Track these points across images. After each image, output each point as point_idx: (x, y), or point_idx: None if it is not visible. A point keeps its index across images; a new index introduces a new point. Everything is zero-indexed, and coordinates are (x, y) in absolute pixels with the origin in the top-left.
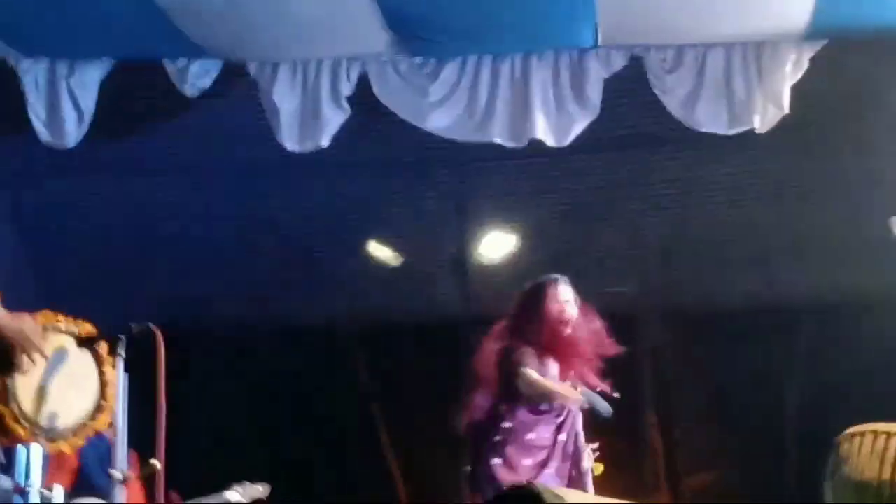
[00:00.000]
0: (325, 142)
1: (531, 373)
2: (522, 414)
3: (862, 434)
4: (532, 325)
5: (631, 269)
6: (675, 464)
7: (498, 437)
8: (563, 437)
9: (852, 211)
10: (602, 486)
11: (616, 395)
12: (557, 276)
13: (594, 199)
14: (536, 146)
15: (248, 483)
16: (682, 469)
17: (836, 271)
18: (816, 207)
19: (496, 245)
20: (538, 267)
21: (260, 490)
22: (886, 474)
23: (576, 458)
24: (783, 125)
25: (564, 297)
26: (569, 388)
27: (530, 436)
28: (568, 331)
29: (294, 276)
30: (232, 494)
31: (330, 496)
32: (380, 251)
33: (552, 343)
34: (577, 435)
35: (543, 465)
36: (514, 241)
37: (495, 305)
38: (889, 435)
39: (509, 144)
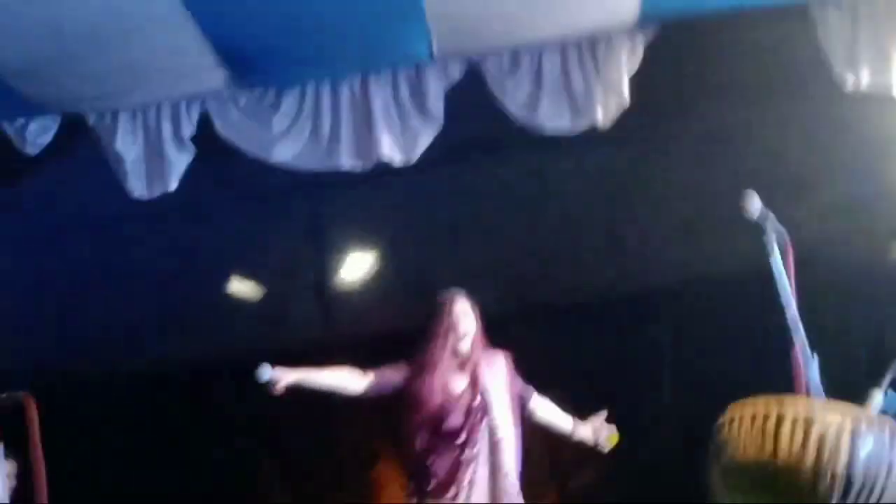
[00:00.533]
0: (172, 185)
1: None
2: None
3: (742, 412)
4: (435, 342)
5: (489, 274)
6: (557, 461)
7: None
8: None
9: (703, 193)
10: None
11: None
12: (453, 289)
13: (447, 211)
14: (386, 165)
15: None
16: (566, 467)
17: (692, 254)
18: (666, 193)
19: (356, 267)
20: (398, 284)
21: None
22: (767, 453)
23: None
24: (626, 116)
25: (462, 311)
26: None
27: None
28: (467, 343)
29: (157, 320)
30: None
31: None
32: (240, 285)
33: (441, 358)
34: None
35: None
36: (374, 260)
37: (358, 326)
38: (767, 410)
39: (358, 167)
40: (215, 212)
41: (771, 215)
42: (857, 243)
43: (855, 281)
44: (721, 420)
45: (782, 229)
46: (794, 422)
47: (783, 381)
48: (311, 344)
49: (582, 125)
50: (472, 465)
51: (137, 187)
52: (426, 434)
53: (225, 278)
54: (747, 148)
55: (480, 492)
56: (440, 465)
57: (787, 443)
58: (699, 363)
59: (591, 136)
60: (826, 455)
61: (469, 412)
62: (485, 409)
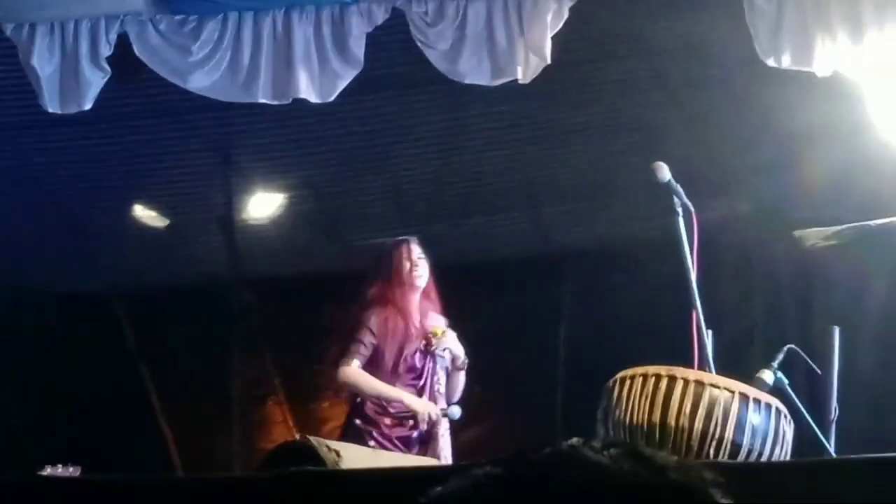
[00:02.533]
0: (87, 104)
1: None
2: None
3: (632, 377)
4: (384, 286)
5: (395, 219)
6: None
7: None
8: None
9: (615, 155)
10: None
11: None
12: (407, 237)
13: (359, 151)
14: (303, 101)
15: (60, 465)
16: (456, 422)
17: (600, 215)
18: (580, 153)
19: (263, 201)
20: (305, 221)
21: (71, 471)
22: (657, 416)
23: None
24: (546, 72)
25: (416, 256)
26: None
27: None
28: (421, 284)
29: (58, 240)
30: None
31: (105, 465)
32: (146, 211)
33: (403, 302)
34: None
35: None
36: (281, 195)
37: (263, 263)
38: (658, 377)
39: (273, 103)
40: (125, 134)
41: (679, 187)
42: (761, 223)
43: (756, 262)
44: (611, 381)
45: (688, 203)
46: (686, 386)
47: (679, 351)
48: (212, 280)
49: (502, 79)
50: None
51: (52, 103)
52: (390, 373)
53: (128, 203)
54: (664, 113)
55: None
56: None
57: (678, 406)
58: (597, 326)
59: (510, 90)
60: (715, 421)
61: (426, 357)
62: (434, 360)
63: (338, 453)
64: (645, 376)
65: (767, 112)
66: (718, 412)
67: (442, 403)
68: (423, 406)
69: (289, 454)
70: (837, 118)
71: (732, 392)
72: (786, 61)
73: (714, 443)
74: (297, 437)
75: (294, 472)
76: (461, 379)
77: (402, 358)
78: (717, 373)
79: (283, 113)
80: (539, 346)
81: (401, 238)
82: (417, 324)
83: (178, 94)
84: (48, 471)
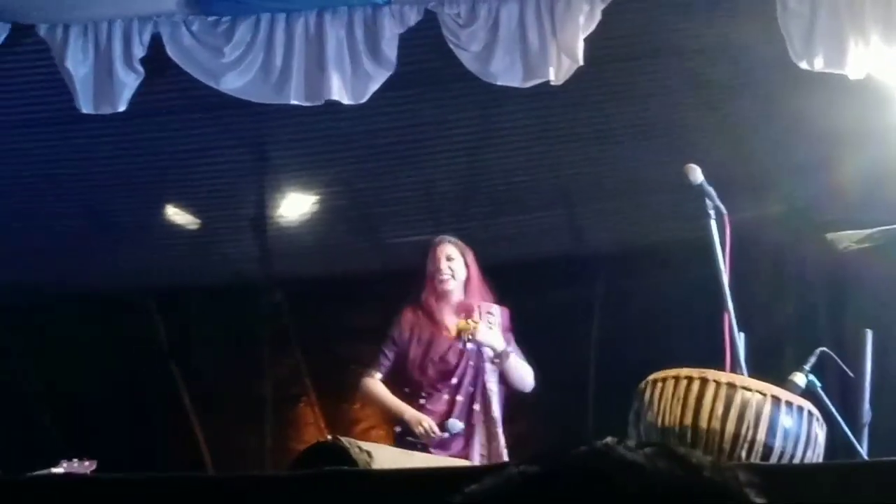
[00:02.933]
0: (121, 105)
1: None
2: None
3: (664, 380)
4: (418, 289)
5: (428, 217)
6: None
7: None
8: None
9: (647, 157)
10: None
11: None
12: (443, 235)
13: (391, 150)
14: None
15: (76, 460)
16: None
17: (634, 217)
18: (611, 154)
19: (295, 201)
20: (337, 220)
21: (86, 465)
22: (688, 419)
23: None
24: (578, 74)
25: (443, 255)
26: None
27: None
28: (447, 288)
29: (89, 240)
30: (58, 472)
31: (134, 461)
32: (178, 211)
33: (429, 302)
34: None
35: None
36: (313, 195)
37: (296, 263)
38: (690, 379)
39: (306, 104)
40: (159, 134)
41: (711, 189)
42: (793, 225)
43: (789, 265)
44: (643, 383)
45: (721, 205)
46: (717, 388)
47: (710, 352)
48: (244, 280)
49: (534, 80)
50: (464, 407)
51: (86, 104)
52: (417, 374)
53: (161, 203)
54: (696, 115)
55: (477, 435)
56: (433, 406)
57: (709, 408)
58: (629, 327)
59: (542, 91)
60: (747, 423)
61: (461, 355)
62: (478, 356)
63: (369, 454)
64: (677, 378)
65: (800, 114)
66: (750, 415)
67: (494, 401)
68: (414, 418)
69: (320, 455)
70: (870, 121)
71: (764, 395)
72: (818, 64)
73: (746, 445)
74: (329, 437)
75: (326, 471)
76: (517, 368)
77: (429, 359)
78: (749, 375)
79: (317, 112)
80: (570, 347)
81: (436, 237)
82: (448, 322)
83: (211, 93)
84: (64, 465)
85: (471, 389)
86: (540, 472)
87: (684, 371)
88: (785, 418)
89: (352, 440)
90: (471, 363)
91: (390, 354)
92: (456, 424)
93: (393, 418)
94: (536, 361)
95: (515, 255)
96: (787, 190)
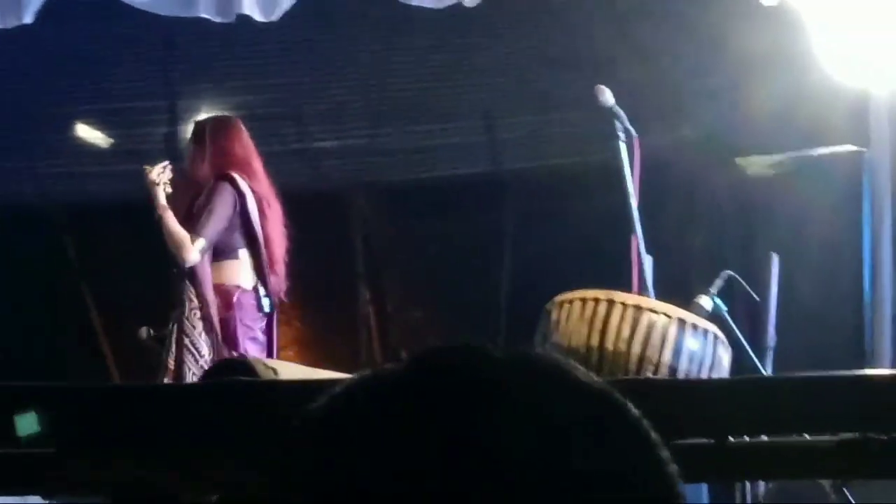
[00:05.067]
0: (27, 18)
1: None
2: None
3: (570, 301)
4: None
5: (338, 144)
6: (389, 340)
7: None
8: None
9: (559, 80)
10: (318, 360)
11: None
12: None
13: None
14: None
15: None
16: (396, 343)
17: (543, 142)
18: (523, 78)
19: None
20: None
21: None
22: (595, 340)
23: None
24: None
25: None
26: None
27: None
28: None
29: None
30: None
31: (41, 377)
32: (92, 127)
33: None
34: None
35: None
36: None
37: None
38: (597, 301)
39: (217, 20)
40: (71, 48)
41: (621, 112)
42: (704, 150)
43: (699, 189)
44: (550, 304)
45: (630, 127)
46: (624, 310)
47: (619, 276)
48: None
49: (448, 1)
50: None
51: None
52: None
53: (75, 117)
54: (609, 39)
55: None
56: None
57: (615, 329)
58: (540, 253)
59: (455, 11)
60: (652, 345)
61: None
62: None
63: (275, 371)
64: (584, 300)
65: (713, 40)
66: (656, 337)
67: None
68: None
69: (227, 371)
70: (782, 46)
71: (670, 317)
72: None
73: (651, 367)
74: (235, 354)
75: (228, 381)
76: (168, 235)
77: None
78: (657, 298)
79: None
80: (481, 273)
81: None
82: None
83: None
84: None
85: None
86: (405, 366)
87: (591, 292)
88: (690, 341)
89: (257, 357)
90: None
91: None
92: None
93: None
94: (446, 283)
95: (424, 181)
96: (699, 115)
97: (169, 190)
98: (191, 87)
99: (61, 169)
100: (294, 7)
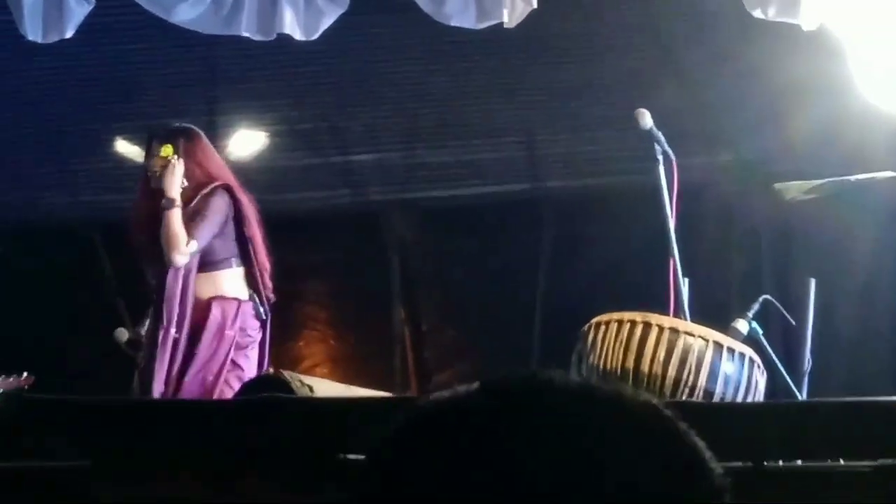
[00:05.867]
0: (69, 33)
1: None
2: None
3: (607, 323)
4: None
5: (375, 161)
6: (423, 358)
7: None
8: None
9: (599, 102)
10: (351, 378)
11: None
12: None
13: (341, 80)
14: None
15: (14, 375)
16: (432, 363)
17: (586, 162)
18: (563, 99)
19: (249, 131)
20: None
21: (22, 380)
22: (630, 362)
23: None
24: (533, 18)
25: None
26: None
27: None
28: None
29: (33, 170)
30: None
31: (75, 392)
32: (126, 144)
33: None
34: None
35: None
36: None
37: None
38: (633, 323)
39: (257, 38)
40: (113, 64)
41: (660, 134)
42: (742, 175)
43: (737, 214)
44: (587, 326)
45: (669, 150)
46: (661, 332)
47: (655, 298)
48: None
49: (487, 22)
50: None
51: (32, 31)
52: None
53: (110, 136)
54: (650, 64)
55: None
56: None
57: (651, 352)
58: (576, 270)
59: (495, 31)
60: (688, 368)
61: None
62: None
63: (311, 388)
64: (620, 322)
65: (753, 66)
66: (692, 360)
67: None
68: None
69: (263, 388)
70: (822, 73)
71: (707, 340)
72: (772, 13)
73: (687, 390)
74: (271, 371)
75: (265, 397)
76: (170, 225)
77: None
78: (693, 321)
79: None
80: (517, 294)
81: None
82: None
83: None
84: None
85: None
86: (482, 389)
87: (628, 315)
88: (726, 364)
89: (293, 374)
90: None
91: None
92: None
93: None
94: (481, 303)
95: (463, 201)
96: (738, 140)
97: (185, 183)
98: (229, 105)
99: (98, 184)
100: (335, 26)
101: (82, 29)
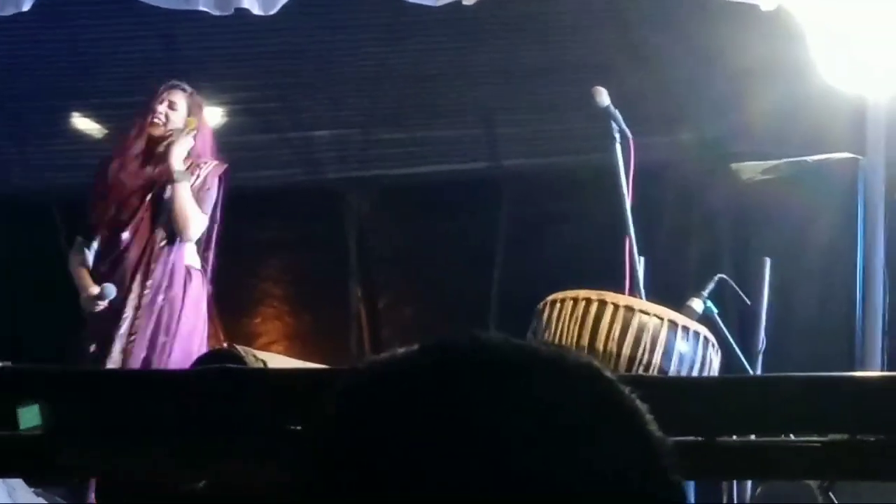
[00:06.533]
0: (25, 6)
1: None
2: None
3: (562, 300)
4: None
5: (333, 139)
6: (380, 336)
7: None
8: None
9: (556, 81)
10: (307, 355)
11: None
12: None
13: (300, 57)
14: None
15: None
16: (388, 342)
17: (542, 141)
18: (521, 78)
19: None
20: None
21: None
22: (585, 340)
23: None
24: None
25: (170, 101)
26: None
27: None
28: (155, 133)
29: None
30: None
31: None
32: (83, 121)
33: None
34: None
35: None
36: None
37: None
38: (588, 301)
39: (215, 13)
40: (67, 33)
41: (617, 113)
42: (702, 157)
43: (694, 193)
44: (542, 304)
45: (626, 129)
46: (616, 310)
47: (611, 277)
48: None
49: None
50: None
51: None
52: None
53: (68, 108)
54: (609, 43)
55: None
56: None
57: (606, 330)
58: (533, 249)
59: (455, 10)
60: (643, 346)
61: (136, 210)
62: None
63: (264, 362)
64: (575, 300)
65: (713, 46)
66: (647, 338)
67: (161, 265)
68: (80, 288)
69: (217, 361)
70: (780, 54)
71: (661, 319)
72: None
73: (641, 368)
74: (225, 345)
75: (217, 368)
76: (185, 200)
77: (113, 202)
78: (650, 300)
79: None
80: (474, 271)
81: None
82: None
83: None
84: None
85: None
86: (421, 350)
87: (583, 292)
88: (681, 343)
89: (248, 349)
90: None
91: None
92: (110, 290)
93: None
94: (438, 281)
95: (419, 179)
96: (697, 120)
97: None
98: (188, 82)
99: (56, 160)
100: (292, 1)
101: (39, 3)
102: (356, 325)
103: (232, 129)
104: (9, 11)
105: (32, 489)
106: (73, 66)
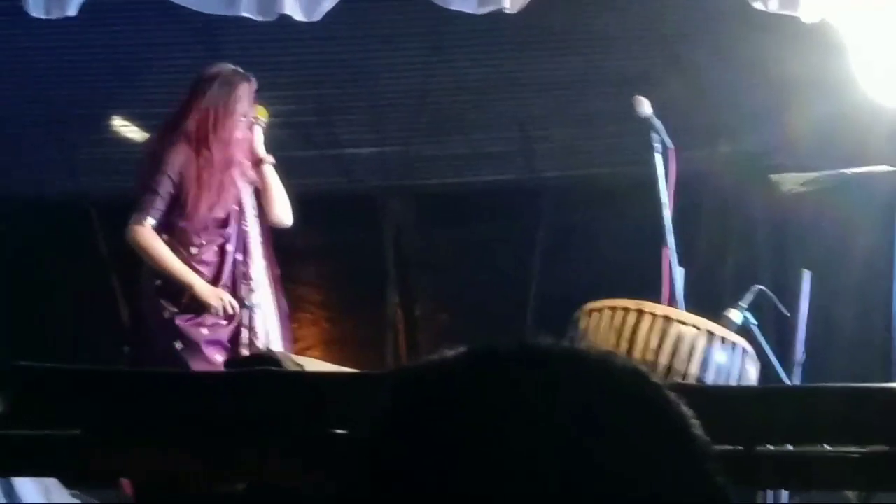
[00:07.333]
0: (71, 10)
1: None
2: None
3: (599, 310)
4: (205, 118)
5: (374, 149)
6: (416, 343)
7: None
8: None
9: (598, 93)
10: (343, 361)
11: None
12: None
13: (341, 65)
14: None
15: None
16: (424, 348)
17: (582, 151)
18: (562, 90)
19: None
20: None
21: None
22: (622, 349)
23: None
24: (534, 3)
25: (249, 94)
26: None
27: None
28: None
29: (33, 146)
30: None
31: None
32: (127, 122)
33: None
34: None
35: None
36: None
37: None
38: (626, 310)
39: (258, 18)
40: (114, 41)
41: (658, 123)
42: (742, 168)
43: (734, 204)
44: (579, 312)
45: (667, 139)
46: (653, 320)
47: (650, 287)
48: None
49: (488, 7)
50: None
51: (35, 8)
52: (188, 220)
53: (110, 112)
54: (651, 54)
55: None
56: (205, 258)
57: (644, 340)
58: (571, 258)
59: (496, 18)
60: (680, 357)
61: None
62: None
63: (302, 367)
64: (613, 309)
65: (754, 58)
66: (684, 348)
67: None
68: (213, 295)
69: (256, 364)
70: (823, 67)
71: (699, 329)
72: (773, 5)
73: (678, 379)
74: (264, 349)
75: (257, 371)
76: (279, 185)
77: (205, 202)
78: (688, 311)
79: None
80: (512, 272)
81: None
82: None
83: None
84: None
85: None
86: (468, 354)
87: (620, 302)
88: (718, 354)
89: (286, 353)
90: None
91: (165, 195)
92: (257, 299)
93: (163, 276)
94: (475, 289)
95: (458, 186)
96: (738, 132)
97: None
98: None
99: (97, 164)
100: (336, 11)
101: (85, 8)
102: (392, 332)
103: (271, 139)
104: (55, 15)
105: (69, 490)
106: (114, 72)
